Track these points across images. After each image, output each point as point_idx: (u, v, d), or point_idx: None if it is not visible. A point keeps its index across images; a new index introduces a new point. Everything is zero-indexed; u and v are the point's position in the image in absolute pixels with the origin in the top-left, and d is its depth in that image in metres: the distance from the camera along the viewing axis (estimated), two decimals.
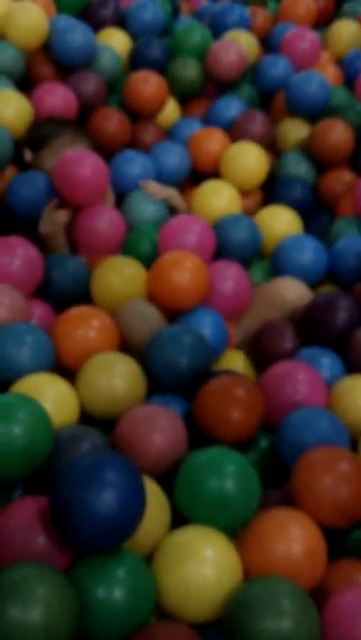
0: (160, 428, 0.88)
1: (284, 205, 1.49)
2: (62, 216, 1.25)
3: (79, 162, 1.22)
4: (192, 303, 1.14)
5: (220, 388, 0.93)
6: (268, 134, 1.59)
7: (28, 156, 1.37)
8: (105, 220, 1.24)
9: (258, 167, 1.50)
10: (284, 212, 1.44)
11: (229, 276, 1.20)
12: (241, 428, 0.91)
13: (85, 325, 1.04)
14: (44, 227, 1.25)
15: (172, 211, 1.42)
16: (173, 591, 0.74)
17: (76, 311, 1.07)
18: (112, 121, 1.54)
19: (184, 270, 1.13)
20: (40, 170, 1.33)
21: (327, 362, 1.11)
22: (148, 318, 1.08)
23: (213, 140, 1.57)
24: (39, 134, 1.34)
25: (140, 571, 0.73)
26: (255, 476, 0.83)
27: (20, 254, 1.10)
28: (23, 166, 1.41)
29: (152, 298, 1.16)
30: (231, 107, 1.64)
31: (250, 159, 1.49)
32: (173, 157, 1.53)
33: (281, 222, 1.43)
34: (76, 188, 1.22)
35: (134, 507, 0.72)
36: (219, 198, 1.42)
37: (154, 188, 1.41)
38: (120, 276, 1.15)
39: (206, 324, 1.12)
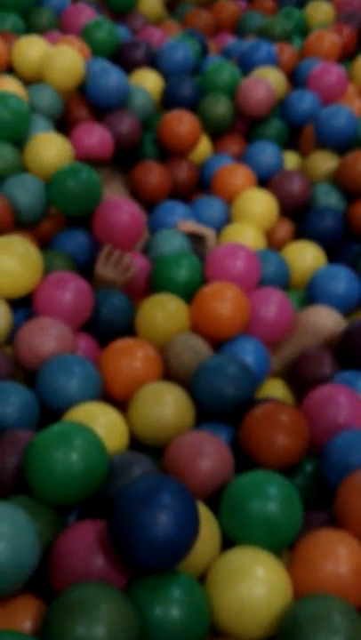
0: (207, 454, 0.91)
1: (310, 241, 1.54)
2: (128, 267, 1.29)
3: (118, 209, 1.27)
4: (234, 332, 1.18)
5: (266, 414, 0.96)
6: (306, 194, 1.62)
7: None
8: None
9: (268, 213, 1.54)
10: (310, 248, 1.50)
11: (272, 302, 1.23)
12: (287, 454, 0.94)
13: (131, 356, 1.08)
14: (106, 272, 1.28)
15: (200, 251, 1.47)
16: (227, 610, 0.77)
17: (122, 343, 1.11)
18: (153, 174, 1.59)
19: (225, 301, 1.17)
20: None
21: None
22: (197, 350, 1.12)
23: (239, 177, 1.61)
24: None
25: (195, 590, 0.76)
26: (297, 498, 0.85)
27: (71, 288, 1.15)
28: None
29: (196, 329, 1.20)
30: (265, 150, 1.69)
31: (260, 204, 1.54)
32: (214, 210, 1.55)
33: (306, 257, 1.48)
34: (115, 234, 1.28)
35: (190, 528, 0.74)
36: (244, 238, 1.47)
37: (192, 225, 1.45)
38: (164, 312, 1.20)
39: (249, 352, 1.16)
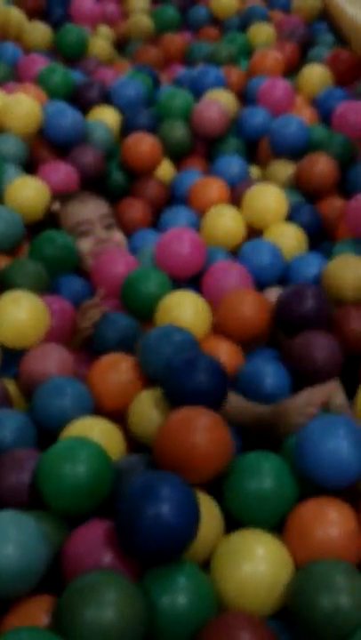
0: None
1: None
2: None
3: (179, 238, 1.35)
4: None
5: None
6: None
7: (56, 206, 1.50)
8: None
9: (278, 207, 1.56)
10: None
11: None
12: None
13: (116, 369, 1.13)
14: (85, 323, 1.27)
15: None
16: (233, 591, 0.80)
17: (107, 358, 1.16)
18: (136, 208, 1.68)
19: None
20: (62, 219, 1.48)
21: None
22: None
23: (213, 189, 1.67)
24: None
25: (200, 577, 0.79)
26: (290, 474, 0.90)
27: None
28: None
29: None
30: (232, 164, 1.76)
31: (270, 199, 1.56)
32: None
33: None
34: (177, 264, 1.34)
35: (190, 518, 0.78)
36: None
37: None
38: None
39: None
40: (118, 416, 1.10)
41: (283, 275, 1.47)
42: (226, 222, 1.52)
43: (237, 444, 1.09)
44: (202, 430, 0.88)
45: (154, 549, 0.76)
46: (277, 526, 0.88)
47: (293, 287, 1.28)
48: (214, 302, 1.30)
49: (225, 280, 1.34)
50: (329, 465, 0.86)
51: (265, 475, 0.88)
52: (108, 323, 1.24)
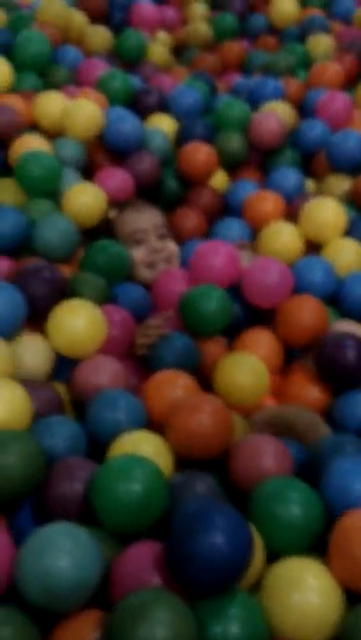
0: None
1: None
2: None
3: (214, 251, 1.35)
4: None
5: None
6: None
7: (112, 213, 1.53)
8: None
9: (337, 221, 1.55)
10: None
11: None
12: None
13: (172, 385, 1.12)
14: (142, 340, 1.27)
15: None
16: (284, 621, 0.79)
17: (163, 374, 1.15)
18: (190, 218, 1.69)
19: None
20: (118, 227, 1.50)
21: None
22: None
23: (269, 202, 1.66)
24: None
25: (253, 607, 0.78)
26: (319, 500, 0.89)
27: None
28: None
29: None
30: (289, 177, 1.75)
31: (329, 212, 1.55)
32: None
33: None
34: (213, 276, 1.33)
35: (244, 549, 0.77)
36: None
37: None
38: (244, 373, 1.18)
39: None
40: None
41: (336, 291, 1.46)
42: (284, 239, 1.51)
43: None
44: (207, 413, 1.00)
45: (207, 580, 0.75)
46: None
47: (334, 337, 1.23)
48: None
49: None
50: None
51: (294, 501, 0.87)
52: (165, 341, 1.23)
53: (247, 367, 1.18)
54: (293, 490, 0.89)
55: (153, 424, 1.12)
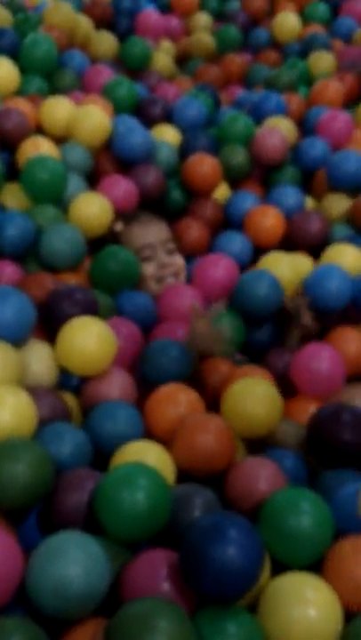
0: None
1: None
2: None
3: (215, 264, 1.42)
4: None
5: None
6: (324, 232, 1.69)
7: (118, 226, 1.53)
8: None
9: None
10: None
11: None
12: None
13: (175, 402, 1.12)
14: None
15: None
16: (282, 637, 0.80)
17: (166, 389, 1.16)
18: (193, 229, 1.72)
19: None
20: (125, 241, 1.52)
21: None
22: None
23: (269, 217, 1.69)
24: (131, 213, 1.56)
25: (250, 623, 0.80)
26: (329, 513, 0.91)
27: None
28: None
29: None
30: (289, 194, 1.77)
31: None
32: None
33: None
34: (213, 290, 1.40)
35: (256, 560, 0.79)
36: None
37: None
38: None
39: None
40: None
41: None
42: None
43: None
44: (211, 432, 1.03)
45: (218, 589, 0.77)
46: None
47: (329, 409, 1.08)
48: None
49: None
50: None
51: (304, 513, 0.89)
52: (160, 349, 1.23)
53: (260, 395, 1.11)
54: (305, 500, 0.91)
55: (155, 439, 1.13)
